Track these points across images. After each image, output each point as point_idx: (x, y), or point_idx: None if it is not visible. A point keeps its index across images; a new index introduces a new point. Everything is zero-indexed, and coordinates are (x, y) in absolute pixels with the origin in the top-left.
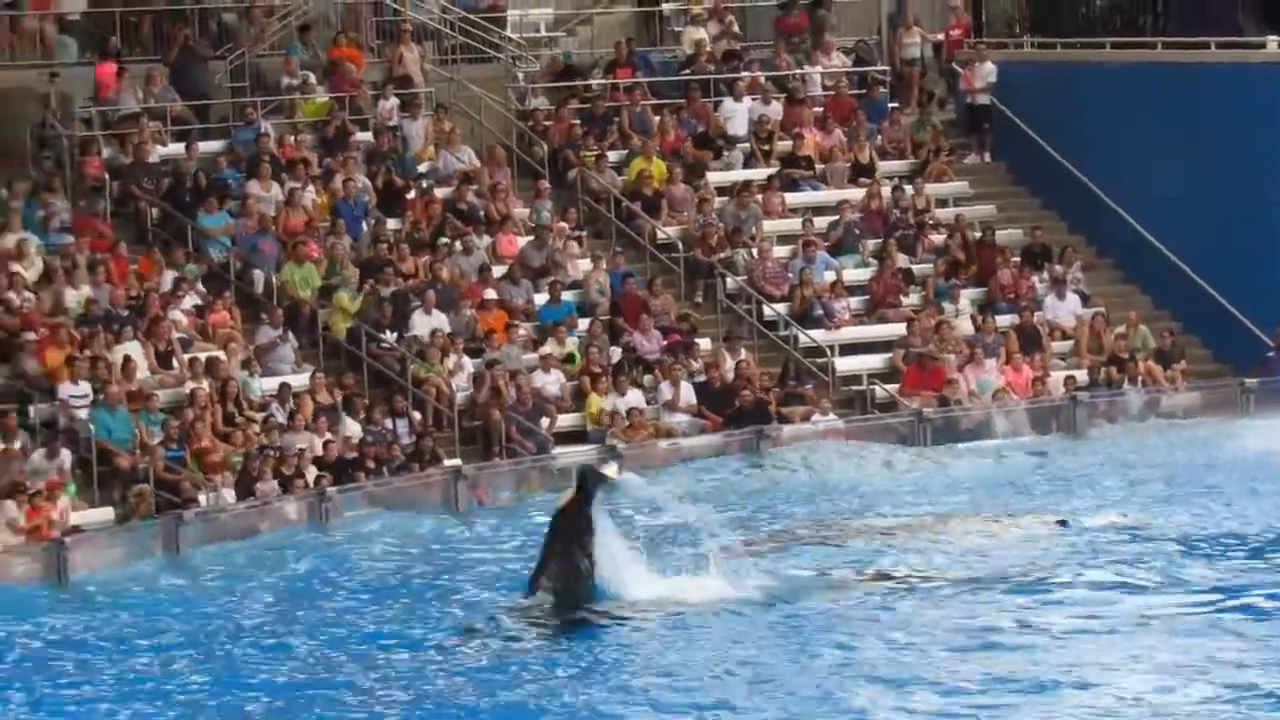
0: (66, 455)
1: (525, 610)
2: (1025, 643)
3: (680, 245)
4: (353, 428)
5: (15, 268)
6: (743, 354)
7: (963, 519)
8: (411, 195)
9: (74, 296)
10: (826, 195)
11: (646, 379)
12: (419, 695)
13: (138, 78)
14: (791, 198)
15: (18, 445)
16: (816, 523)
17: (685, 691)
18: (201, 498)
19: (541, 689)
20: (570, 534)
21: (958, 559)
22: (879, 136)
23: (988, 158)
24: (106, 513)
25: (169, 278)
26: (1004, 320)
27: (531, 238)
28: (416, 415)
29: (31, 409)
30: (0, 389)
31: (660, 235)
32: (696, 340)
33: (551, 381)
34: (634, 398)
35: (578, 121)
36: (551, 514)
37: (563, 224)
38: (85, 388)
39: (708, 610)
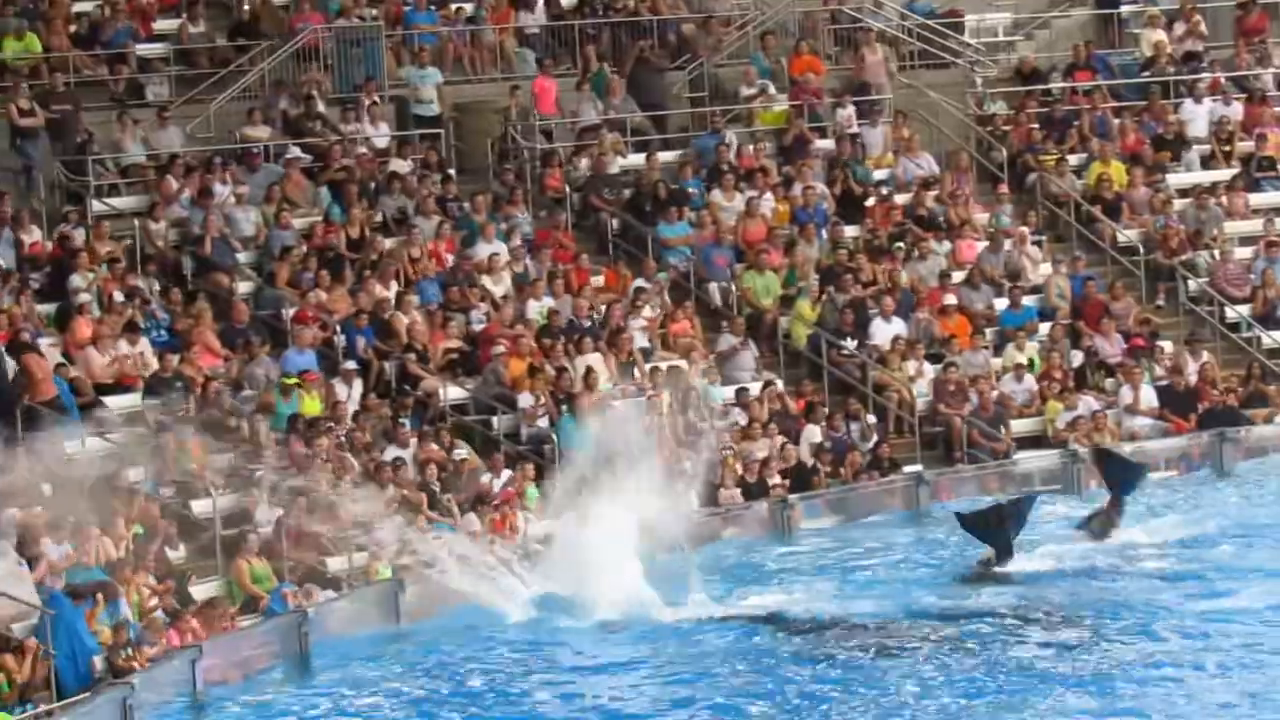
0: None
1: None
2: None
3: (1141, 248)
4: (814, 434)
5: (484, 280)
6: (1205, 356)
7: None
8: (870, 202)
9: (536, 308)
10: None
11: (1108, 382)
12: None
13: (594, 89)
14: (1255, 198)
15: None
16: None
17: None
18: None
19: None
20: None
21: None
22: None
23: None
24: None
25: (635, 288)
26: None
27: (989, 243)
28: (872, 419)
29: (494, 420)
30: (467, 400)
31: (1121, 238)
32: (1158, 343)
33: (1021, 391)
34: (1095, 401)
35: (1037, 125)
36: None
37: (1023, 228)
38: (534, 396)
39: None
